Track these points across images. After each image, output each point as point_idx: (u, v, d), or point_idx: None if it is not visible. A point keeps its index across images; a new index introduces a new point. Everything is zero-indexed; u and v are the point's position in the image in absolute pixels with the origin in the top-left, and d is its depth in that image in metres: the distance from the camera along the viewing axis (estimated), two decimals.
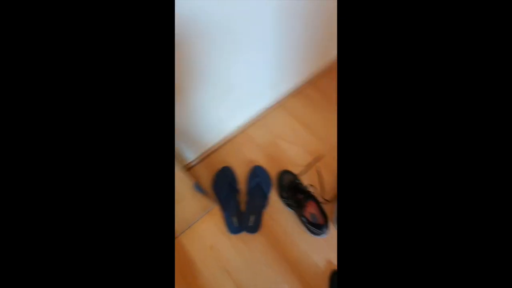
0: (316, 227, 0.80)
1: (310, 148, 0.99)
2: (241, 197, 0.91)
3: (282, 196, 0.89)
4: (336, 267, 0.80)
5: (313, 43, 0.93)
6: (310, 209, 0.84)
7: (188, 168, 0.97)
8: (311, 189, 0.88)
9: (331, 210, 0.88)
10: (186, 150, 0.90)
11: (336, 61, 1.11)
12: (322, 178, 0.92)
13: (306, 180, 0.92)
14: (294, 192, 0.85)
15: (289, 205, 0.87)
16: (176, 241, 0.86)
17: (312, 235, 0.83)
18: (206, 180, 0.94)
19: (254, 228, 0.85)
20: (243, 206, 0.89)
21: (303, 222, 0.84)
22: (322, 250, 0.83)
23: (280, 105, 1.08)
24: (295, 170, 0.94)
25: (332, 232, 0.83)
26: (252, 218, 0.86)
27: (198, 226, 0.88)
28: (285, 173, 0.92)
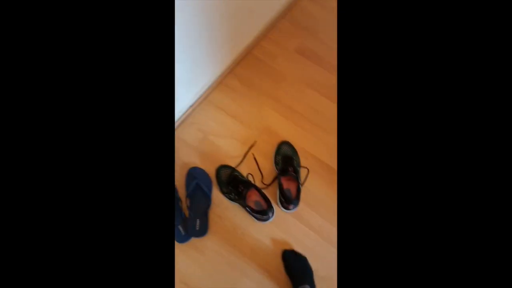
0: (261, 213, 0.82)
1: (242, 137, 0.99)
2: (183, 204, 0.87)
3: (223, 192, 0.88)
4: (285, 247, 0.85)
5: (225, 34, 0.90)
6: (253, 198, 0.86)
7: None
8: (250, 178, 0.89)
9: (273, 192, 0.91)
10: None
11: (248, 48, 1.11)
12: (258, 164, 0.94)
13: (244, 170, 0.93)
14: (234, 185, 0.86)
15: (232, 199, 0.87)
16: None
17: (259, 222, 0.85)
18: None
19: (201, 231, 0.83)
20: (187, 212, 0.86)
21: (248, 212, 0.85)
22: (272, 232, 0.87)
23: (203, 100, 1.05)
24: (232, 163, 0.94)
25: (277, 213, 0.87)
26: (198, 222, 0.83)
27: None
28: (222, 168, 0.91)
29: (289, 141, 0.97)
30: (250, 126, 1.01)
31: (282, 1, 1.15)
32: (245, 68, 1.10)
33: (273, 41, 1.15)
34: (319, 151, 0.98)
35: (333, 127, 1.01)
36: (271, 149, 0.97)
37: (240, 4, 0.88)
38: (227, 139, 0.99)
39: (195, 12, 0.72)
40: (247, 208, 0.84)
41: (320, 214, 0.90)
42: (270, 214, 0.83)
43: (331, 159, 0.97)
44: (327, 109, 1.04)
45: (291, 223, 0.88)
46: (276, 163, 0.92)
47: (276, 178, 0.90)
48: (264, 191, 0.87)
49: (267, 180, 0.92)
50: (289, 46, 1.14)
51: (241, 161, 0.94)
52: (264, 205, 0.85)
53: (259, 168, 0.94)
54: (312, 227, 0.88)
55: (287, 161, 0.89)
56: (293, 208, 0.87)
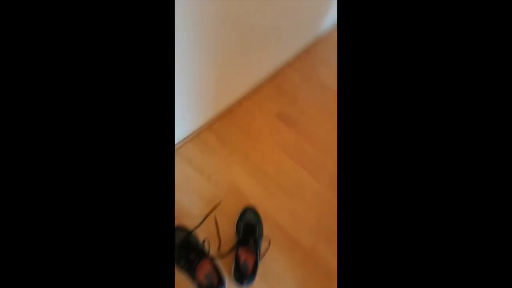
0: None
1: (206, 195, 0.94)
2: None
3: None
4: None
5: (211, 93, 0.92)
6: (204, 269, 0.77)
7: None
8: (205, 245, 0.82)
9: (229, 263, 0.83)
10: None
11: (230, 106, 1.13)
12: (219, 229, 0.88)
13: (203, 233, 0.86)
14: (186, 251, 0.78)
15: (180, 266, 0.78)
16: None
17: None
18: None
19: None
20: None
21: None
22: None
23: (175, 151, 1.02)
24: (192, 222, 0.87)
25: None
26: None
27: None
28: (176, 230, 0.84)
29: (255, 206, 0.93)
30: (217, 184, 0.97)
31: (269, 68, 1.21)
32: (223, 125, 1.10)
33: (255, 103, 1.18)
34: (283, 217, 0.93)
35: (301, 194, 0.99)
36: (235, 212, 0.91)
37: (230, 67, 0.92)
38: (190, 195, 0.93)
39: (187, 67, 0.72)
40: (196, 285, 0.75)
41: None
42: None
43: (294, 227, 0.92)
44: (297, 175, 1.02)
45: None
46: (237, 229, 0.86)
47: (234, 247, 0.83)
48: (220, 260, 0.79)
49: (225, 248, 0.85)
50: (270, 109, 1.17)
51: (201, 223, 0.88)
52: (215, 280, 0.76)
53: (218, 234, 0.87)
54: None
55: (249, 230, 0.83)
56: (247, 284, 0.78)
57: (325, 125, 1.16)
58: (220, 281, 0.75)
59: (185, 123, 0.96)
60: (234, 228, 0.88)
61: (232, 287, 0.79)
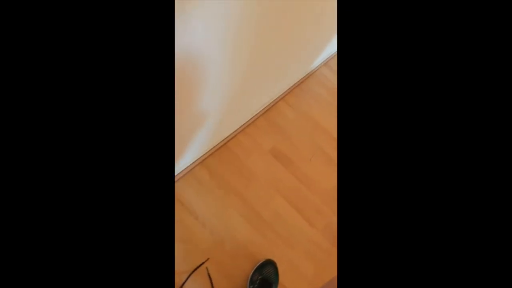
0: None
1: (198, 244, 0.87)
2: None
3: None
4: None
5: (207, 127, 0.86)
6: None
7: None
8: None
9: None
10: None
11: (225, 140, 1.08)
12: (213, 282, 0.82)
13: (196, 284, 0.79)
14: None
15: None
16: None
17: None
18: None
19: None
20: None
21: None
22: None
23: None
24: (178, 279, 0.80)
25: None
26: None
27: None
28: None
29: (275, 261, 0.88)
30: (213, 231, 0.91)
31: (264, 102, 1.19)
32: (217, 160, 1.05)
33: (249, 136, 1.14)
34: (282, 268, 0.91)
35: (298, 241, 0.98)
36: (231, 262, 0.87)
37: (227, 102, 0.87)
38: (181, 244, 0.86)
39: (183, 102, 0.67)
40: None
41: None
42: None
43: (293, 280, 0.90)
44: (293, 221, 1.01)
45: None
46: (251, 281, 0.81)
47: None
48: None
49: None
50: (264, 144, 1.15)
51: (187, 279, 0.81)
52: None
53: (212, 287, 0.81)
54: None
55: (265, 286, 0.78)
56: None
57: (319, 166, 1.17)
58: None
59: (177, 158, 0.89)
60: (247, 281, 0.83)
61: None
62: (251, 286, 0.79)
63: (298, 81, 1.39)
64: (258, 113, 1.20)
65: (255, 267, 0.85)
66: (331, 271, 0.96)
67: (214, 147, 1.05)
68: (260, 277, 0.81)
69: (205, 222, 0.91)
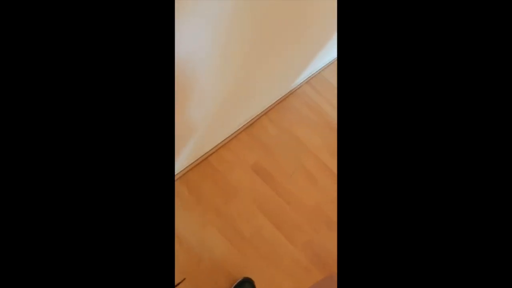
0: None
1: (178, 262, 0.84)
2: None
3: None
4: None
5: (187, 142, 0.84)
6: None
7: None
8: None
9: None
10: None
11: (206, 154, 1.07)
12: None
13: None
14: None
15: None
16: None
17: None
18: None
19: None
20: None
21: None
22: None
23: None
24: None
25: None
26: None
27: None
28: None
29: (252, 279, 0.86)
30: (189, 250, 0.87)
31: (246, 117, 1.20)
32: (197, 175, 1.02)
33: (231, 151, 1.14)
34: (262, 287, 0.89)
35: (278, 259, 0.96)
36: (210, 283, 0.83)
37: (211, 116, 0.87)
38: None
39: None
40: None
41: None
42: None
43: None
44: (274, 238, 1.00)
45: None
46: None
47: None
48: None
49: None
50: (247, 160, 1.14)
51: None
52: None
53: None
54: None
55: None
56: None
57: (300, 182, 1.18)
58: None
59: None
60: None
61: None
62: None
63: (280, 98, 1.41)
64: (240, 128, 1.20)
65: (233, 286, 0.83)
66: None
67: (194, 161, 1.03)
68: None
69: (182, 240, 0.88)
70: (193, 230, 0.91)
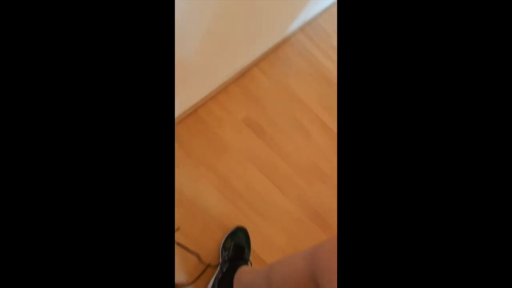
0: None
1: None
2: None
3: None
4: None
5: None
6: None
7: None
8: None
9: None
10: None
11: (194, 106, 0.99)
12: (187, 247, 0.78)
13: None
14: None
15: None
16: None
17: None
18: None
19: None
20: None
21: None
22: None
23: None
24: None
25: None
26: None
27: None
28: None
29: (243, 226, 0.87)
30: (182, 201, 0.85)
31: (236, 66, 1.10)
32: (185, 129, 0.96)
33: (221, 105, 1.07)
34: (254, 237, 0.90)
35: (271, 213, 0.97)
36: (201, 235, 0.83)
37: (198, 62, 0.78)
38: None
39: None
40: None
41: None
42: None
43: (264, 249, 0.90)
44: (267, 191, 0.99)
45: None
46: (224, 249, 0.79)
47: (219, 265, 0.76)
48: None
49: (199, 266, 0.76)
50: (237, 114, 1.08)
51: None
52: None
53: (190, 251, 0.78)
54: None
55: (238, 251, 0.77)
56: None
57: (293, 137, 1.14)
58: None
59: None
60: (219, 248, 0.81)
61: None
62: (225, 253, 0.77)
63: (273, 46, 1.30)
64: (230, 79, 1.11)
65: (226, 235, 0.83)
66: (303, 240, 0.97)
67: (181, 114, 0.96)
68: (232, 243, 0.79)
69: (175, 194, 0.85)
70: (185, 183, 0.88)
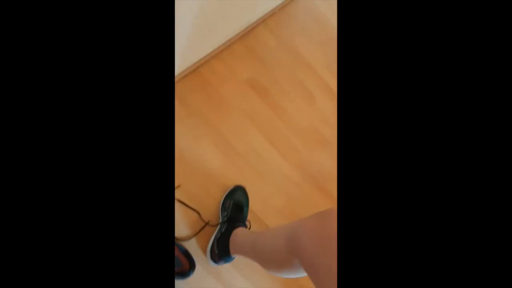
0: (180, 275, 0.70)
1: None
2: None
3: None
4: None
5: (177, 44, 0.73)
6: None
7: None
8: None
9: (197, 244, 0.80)
10: None
11: (197, 63, 0.96)
12: (188, 204, 0.81)
13: None
14: None
15: None
16: None
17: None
18: None
19: None
20: None
21: None
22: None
23: None
24: None
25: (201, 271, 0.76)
26: None
27: None
28: None
29: (242, 185, 0.89)
30: (184, 160, 0.86)
31: (241, 23, 1.04)
32: (188, 87, 0.94)
33: (224, 64, 1.03)
34: (253, 198, 0.92)
35: (271, 175, 0.98)
36: (201, 193, 0.85)
37: (200, 20, 0.74)
38: None
39: None
40: None
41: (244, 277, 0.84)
42: (192, 273, 0.72)
43: (263, 210, 0.93)
44: (267, 154, 1.00)
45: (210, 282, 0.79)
46: (224, 208, 0.81)
47: (219, 225, 0.79)
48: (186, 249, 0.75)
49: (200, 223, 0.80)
50: (241, 74, 1.05)
51: None
52: (185, 264, 0.72)
53: (191, 208, 0.81)
54: None
55: (237, 209, 0.80)
56: (227, 261, 0.78)
57: (297, 101, 1.12)
58: (192, 265, 0.72)
59: None
60: (219, 207, 0.83)
61: (201, 270, 0.78)
62: (224, 213, 0.80)
63: (281, 4, 1.22)
64: (234, 36, 1.06)
65: (225, 194, 0.85)
66: (301, 203, 0.99)
67: (183, 71, 0.93)
68: (231, 201, 0.81)
69: (175, 152, 0.85)
70: (185, 141, 0.88)
